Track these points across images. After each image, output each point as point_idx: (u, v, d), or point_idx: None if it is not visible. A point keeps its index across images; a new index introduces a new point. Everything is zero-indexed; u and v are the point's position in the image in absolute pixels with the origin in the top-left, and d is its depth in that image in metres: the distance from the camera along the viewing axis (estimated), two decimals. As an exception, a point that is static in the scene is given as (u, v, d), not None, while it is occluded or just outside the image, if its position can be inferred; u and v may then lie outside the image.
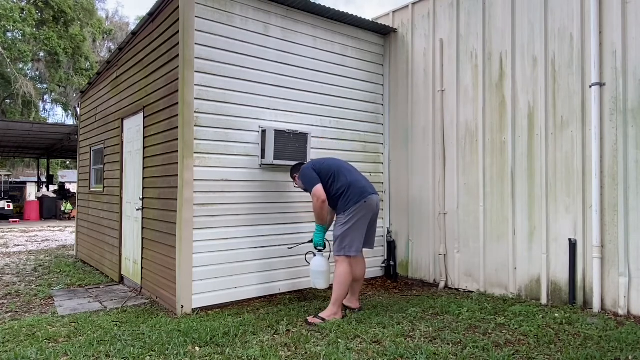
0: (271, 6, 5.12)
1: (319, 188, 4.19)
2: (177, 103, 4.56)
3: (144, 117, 5.43)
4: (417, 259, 5.88)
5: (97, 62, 27.10)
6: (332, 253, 4.34)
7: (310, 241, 4.49)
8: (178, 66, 4.56)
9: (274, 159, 4.91)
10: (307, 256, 4.64)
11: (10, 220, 17.14)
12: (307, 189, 4.33)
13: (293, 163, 5.08)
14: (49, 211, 18.69)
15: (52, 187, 22.11)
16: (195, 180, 4.55)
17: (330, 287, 4.37)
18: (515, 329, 3.75)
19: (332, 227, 4.44)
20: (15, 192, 22.40)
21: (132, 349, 3.32)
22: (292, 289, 5.23)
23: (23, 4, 23.29)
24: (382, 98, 6.22)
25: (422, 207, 5.78)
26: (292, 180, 4.77)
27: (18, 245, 10.23)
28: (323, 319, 4.02)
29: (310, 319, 4.03)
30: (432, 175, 5.67)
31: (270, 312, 4.37)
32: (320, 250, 4.40)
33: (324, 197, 4.18)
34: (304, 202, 5.17)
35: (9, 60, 22.06)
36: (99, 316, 4.39)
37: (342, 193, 4.24)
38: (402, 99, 6.05)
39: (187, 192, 4.49)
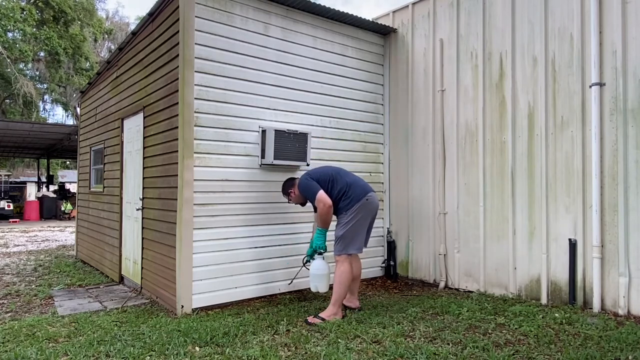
0: (271, 6, 5.12)
1: (323, 193, 4.18)
2: (177, 103, 4.56)
3: (144, 117, 5.43)
4: (417, 259, 5.88)
5: (97, 62, 27.09)
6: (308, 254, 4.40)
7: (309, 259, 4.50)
8: (178, 66, 4.56)
9: (274, 159, 4.91)
10: (304, 260, 4.63)
11: (10, 220, 17.13)
12: (310, 198, 4.31)
13: (294, 163, 5.09)
14: (49, 211, 18.69)
15: (52, 187, 22.11)
16: (195, 180, 4.55)
17: (331, 288, 4.37)
18: (515, 329, 3.75)
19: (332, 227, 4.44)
20: (15, 192, 22.42)
21: (132, 349, 3.32)
22: (292, 289, 5.22)
23: (23, 3, 23.28)
24: (382, 98, 6.22)
25: (422, 207, 5.78)
26: (286, 195, 4.63)
27: (18, 245, 10.23)
28: (323, 319, 4.02)
29: (311, 319, 4.03)
30: (432, 175, 5.67)
31: (270, 312, 4.37)
32: (320, 254, 4.38)
33: (330, 202, 4.16)
34: (304, 202, 5.17)
35: (9, 60, 22.06)
36: (99, 316, 4.39)
37: (344, 194, 4.26)
38: (402, 99, 6.05)
39: (187, 192, 4.50)
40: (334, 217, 4.36)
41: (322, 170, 4.46)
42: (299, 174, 5.12)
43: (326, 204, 4.15)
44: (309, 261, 4.52)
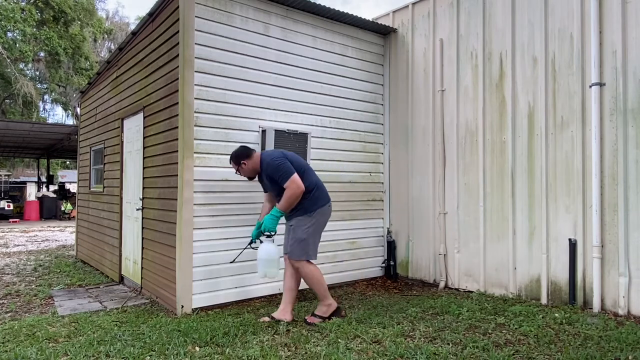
0: (271, 6, 5.12)
1: (298, 177, 3.88)
2: (177, 103, 4.56)
3: (144, 117, 5.43)
4: (417, 259, 5.88)
5: (97, 62, 27.10)
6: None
7: (251, 242, 4.27)
8: (178, 66, 4.56)
9: (274, 159, 4.90)
10: (253, 245, 4.31)
11: (10, 220, 17.13)
12: (281, 177, 3.91)
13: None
14: (49, 211, 18.68)
15: (52, 187, 22.10)
16: (195, 180, 4.55)
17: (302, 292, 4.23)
18: (515, 329, 3.75)
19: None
20: (15, 192, 22.41)
21: (132, 349, 3.32)
22: (292, 289, 5.22)
23: (23, 4, 23.29)
24: (382, 98, 6.23)
25: (422, 207, 5.78)
26: (236, 165, 4.20)
27: (18, 245, 10.23)
28: (322, 317, 4.01)
29: (310, 319, 4.01)
30: (432, 175, 5.67)
31: (270, 312, 4.36)
32: (269, 236, 4.07)
33: (303, 189, 3.89)
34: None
35: (9, 60, 22.06)
36: (99, 316, 4.39)
37: (310, 191, 4.00)
38: (402, 99, 6.05)
39: (187, 192, 4.49)
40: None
41: (292, 156, 4.13)
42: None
43: (300, 188, 3.87)
44: (254, 241, 4.27)
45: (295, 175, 3.89)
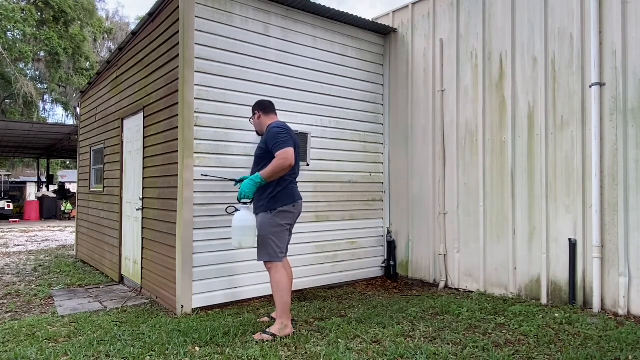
0: (271, 6, 5.12)
1: (292, 151, 3.63)
2: (177, 103, 4.57)
3: (144, 117, 5.43)
4: (417, 259, 5.88)
5: (97, 62, 27.12)
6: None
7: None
8: (178, 66, 4.56)
9: (274, 159, 4.89)
10: (228, 209, 4.12)
11: (10, 220, 17.13)
12: (275, 145, 3.66)
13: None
14: (49, 211, 18.68)
15: (52, 187, 22.10)
16: (195, 180, 4.55)
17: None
18: (515, 329, 3.75)
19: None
20: (15, 192, 22.42)
21: (132, 349, 3.32)
22: (293, 289, 5.19)
23: (23, 4, 23.29)
24: (382, 98, 6.23)
25: (422, 207, 5.78)
26: (252, 115, 4.11)
27: (18, 245, 10.23)
28: (274, 335, 3.57)
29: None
30: (432, 175, 5.67)
31: (270, 312, 4.36)
32: (245, 203, 3.84)
33: (292, 163, 3.63)
34: (306, 202, 5.16)
35: (9, 60, 22.06)
36: (99, 316, 4.39)
37: (276, 187, 3.76)
38: (402, 99, 6.05)
39: (187, 192, 4.50)
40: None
41: (294, 138, 3.85)
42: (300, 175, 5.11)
43: (290, 161, 3.59)
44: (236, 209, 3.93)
45: (290, 150, 3.63)
